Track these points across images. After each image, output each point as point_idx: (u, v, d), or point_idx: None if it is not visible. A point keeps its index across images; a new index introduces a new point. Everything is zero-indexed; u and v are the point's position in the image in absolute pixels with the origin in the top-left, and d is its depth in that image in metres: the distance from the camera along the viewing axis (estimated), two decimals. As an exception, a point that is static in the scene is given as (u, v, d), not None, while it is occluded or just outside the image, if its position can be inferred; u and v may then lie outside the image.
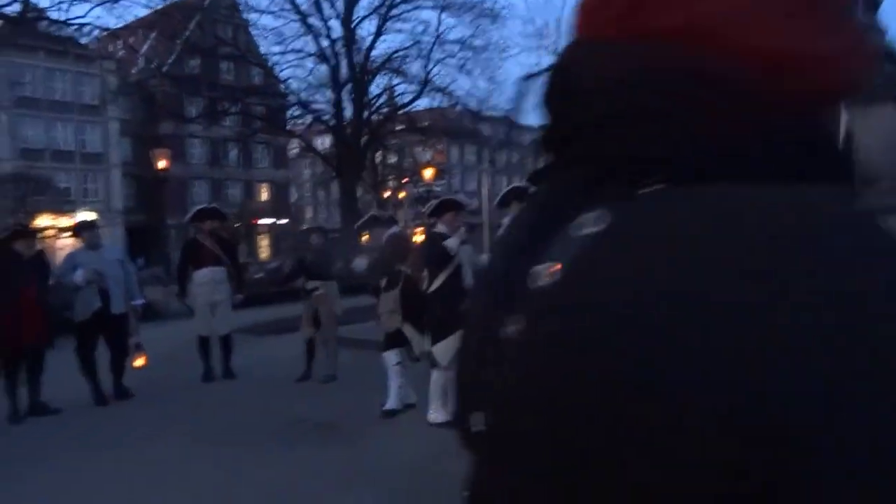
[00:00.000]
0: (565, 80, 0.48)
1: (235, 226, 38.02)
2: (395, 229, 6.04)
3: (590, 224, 0.43)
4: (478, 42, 23.72)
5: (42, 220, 34.20)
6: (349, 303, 7.67)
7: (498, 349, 0.46)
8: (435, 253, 5.25)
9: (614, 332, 0.38)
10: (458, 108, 25.56)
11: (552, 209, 0.48)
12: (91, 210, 33.31)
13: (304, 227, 10.92)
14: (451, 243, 5.20)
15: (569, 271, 0.43)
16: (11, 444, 5.37)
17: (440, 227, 5.40)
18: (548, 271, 0.44)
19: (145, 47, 33.47)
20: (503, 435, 0.45)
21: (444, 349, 5.12)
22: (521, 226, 0.54)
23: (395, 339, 5.64)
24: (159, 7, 19.48)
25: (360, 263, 5.21)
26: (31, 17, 15.03)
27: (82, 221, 7.28)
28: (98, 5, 15.73)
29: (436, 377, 5.22)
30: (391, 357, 5.63)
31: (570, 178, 0.48)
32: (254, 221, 44.73)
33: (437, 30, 23.65)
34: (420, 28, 24.33)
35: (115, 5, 16.86)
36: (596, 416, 0.38)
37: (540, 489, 0.42)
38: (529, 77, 0.54)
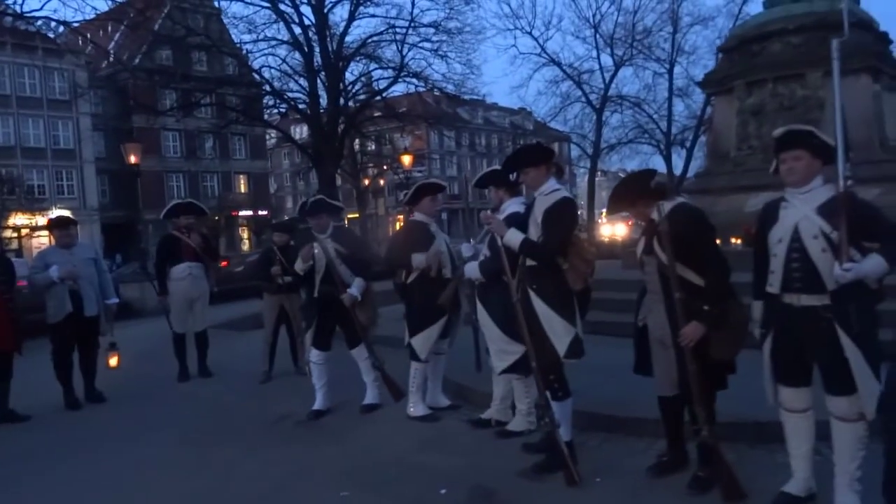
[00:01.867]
0: None
1: (215, 218, 37.64)
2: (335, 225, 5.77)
3: None
4: (452, 25, 23.48)
5: (14, 220, 33.62)
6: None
7: None
8: (412, 242, 5.13)
9: None
10: (435, 92, 25.32)
11: None
12: (65, 208, 32.80)
13: (273, 221, 10.75)
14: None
15: None
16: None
17: (418, 215, 5.28)
18: None
19: (115, 40, 32.82)
20: None
21: (423, 341, 5.05)
22: None
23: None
24: (120, -1, 18.95)
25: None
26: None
27: (56, 218, 7.06)
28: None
29: (415, 370, 5.13)
30: (361, 352, 5.53)
31: None
32: (233, 214, 44.31)
33: (410, 13, 23.38)
34: (394, 12, 24.04)
35: (69, -5, 16.45)
36: None
37: None
38: None
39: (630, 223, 31.34)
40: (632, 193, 3.70)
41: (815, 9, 9.15)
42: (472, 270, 4.54)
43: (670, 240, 3.44)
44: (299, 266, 5.41)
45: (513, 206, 4.53)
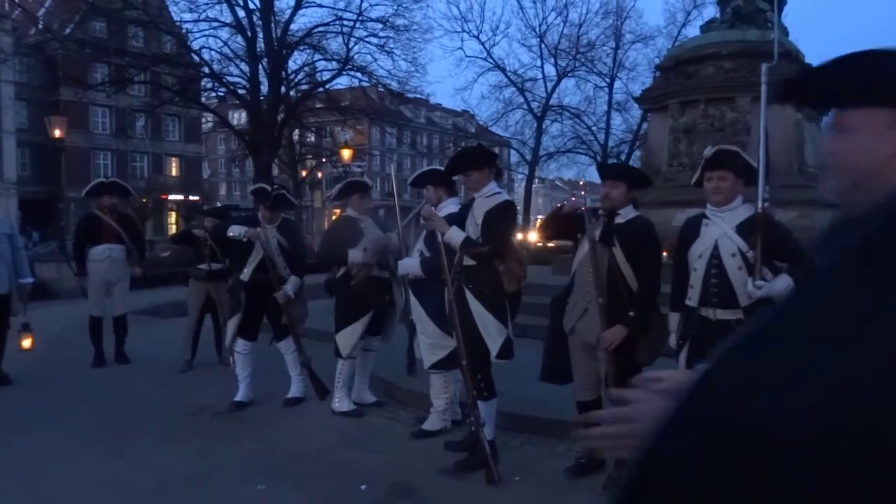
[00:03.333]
0: None
1: (143, 201, 36.29)
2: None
3: None
4: (400, 22, 23.41)
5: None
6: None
7: None
8: (344, 238, 5.09)
9: None
10: (379, 88, 25.19)
11: None
12: (-21, 179, 31.02)
13: (205, 207, 10.45)
14: (236, 230, 5.17)
15: None
16: None
17: (350, 211, 5.26)
18: None
19: (45, 6, 31.26)
20: None
21: (347, 337, 5.01)
22: None
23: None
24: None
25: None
26: None
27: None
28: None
29: (341, 365, 5.09)
30: (288, 345, 5.47)
31: None
32: (163, 197, 42.81)
33: (359, 7, 23.18)
34: (341, 3, 23.79)
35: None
36: None
37: None
38: None
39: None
40: (626, 178, 3.78)
41: (747, 37, 9.57)
42: (410, 267, 4.51)
43: (618, 243, 3.58)
44: (237, 231, 5.23)
45: (450, 205, 4.57)
